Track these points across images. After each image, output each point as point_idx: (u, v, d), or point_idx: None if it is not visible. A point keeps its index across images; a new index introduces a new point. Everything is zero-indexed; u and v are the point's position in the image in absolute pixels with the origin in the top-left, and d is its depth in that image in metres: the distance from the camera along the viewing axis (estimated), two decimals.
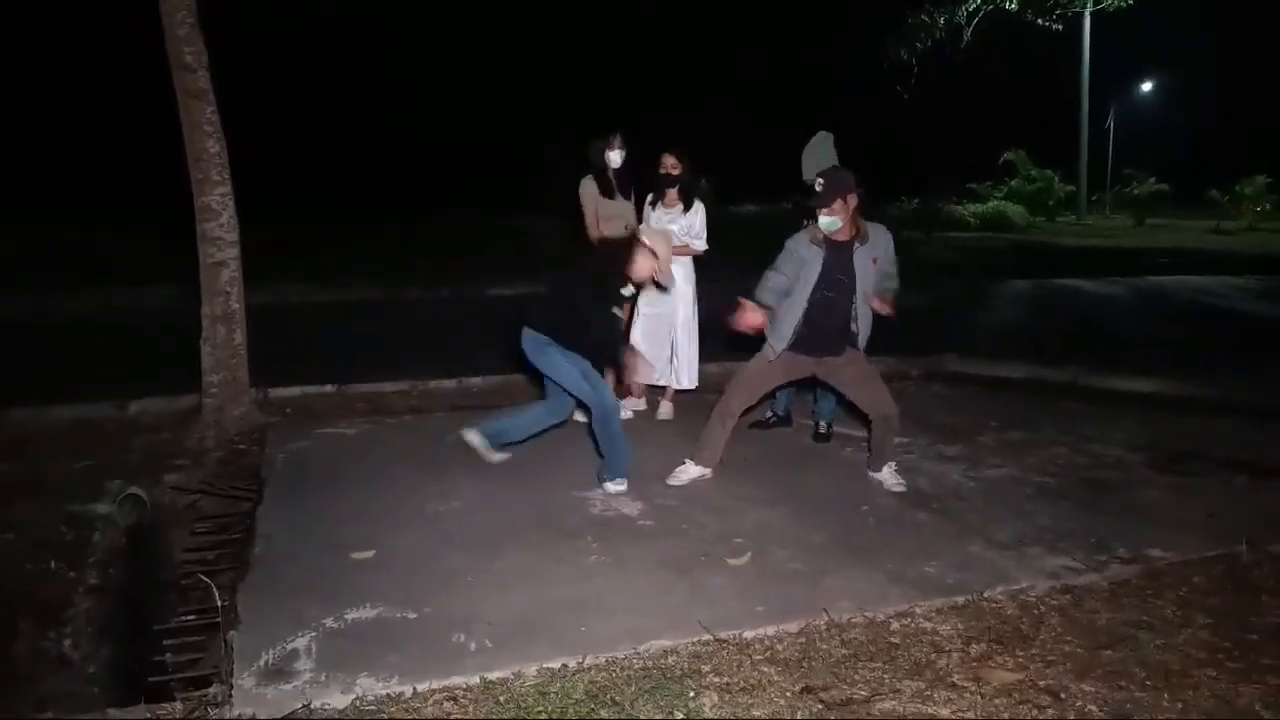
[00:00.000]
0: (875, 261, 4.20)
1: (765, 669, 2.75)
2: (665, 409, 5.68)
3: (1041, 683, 2.69)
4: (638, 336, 5.55)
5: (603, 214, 5.37)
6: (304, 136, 23.14)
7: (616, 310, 4.46)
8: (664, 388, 5.68)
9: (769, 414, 5.48)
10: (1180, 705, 2.58)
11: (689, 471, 4.48)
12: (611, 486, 4.33)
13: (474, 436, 4.48)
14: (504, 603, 3.16)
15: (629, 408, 5.62)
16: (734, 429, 4.50)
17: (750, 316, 4.21)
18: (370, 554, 3.56)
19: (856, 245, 4.15)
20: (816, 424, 5.32)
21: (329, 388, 6.16)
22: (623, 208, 5.45)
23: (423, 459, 4.68)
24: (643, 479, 4.45)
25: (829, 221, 4.09)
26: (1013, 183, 29.42)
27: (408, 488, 4.32)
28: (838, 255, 4.17)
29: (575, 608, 3.13)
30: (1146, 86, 39.28)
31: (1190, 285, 13.99)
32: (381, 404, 5.95)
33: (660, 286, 4.77)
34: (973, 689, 2.65)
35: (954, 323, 9.86)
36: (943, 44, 25.99)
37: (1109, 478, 4.62)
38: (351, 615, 3.05)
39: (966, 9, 26.18)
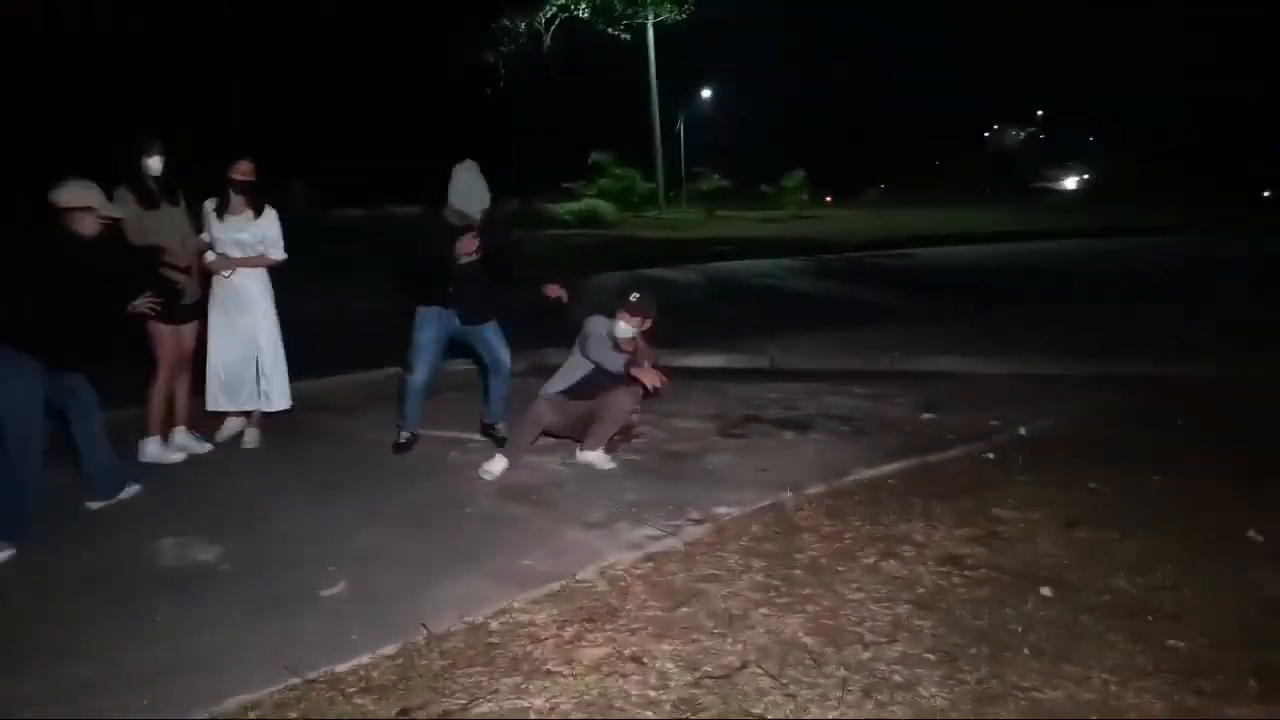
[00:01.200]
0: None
1: (359, 700, 2.62)
2: (251, 436, 5.23)
3: (627, 651, 2.87)
4: (215, 360, 5.07)
5: (145, 226, 4.73)
6: None
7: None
8: (249, 413, 5.24)
9: (405, 434, 5.15)
10: (740, 646, 2.90)
11: (497, 465, 4.66)
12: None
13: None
14: (57, 680, 2.68)
15: (184, 448, 5.07)
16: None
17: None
18: None
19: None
20: (399, 431, 5.14)
21: None
22: (169, 216, 4.87)
23: None
24: (222, 518, 4.05)
25: (626, 330, 4.68)
26: (601, 181, 31.54)
27: None
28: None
29: (141, 678, 2.74)
30: (706, 93, 44.48)
31: (751, 269, 16.05)
32: None
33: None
34: (566, 672, 2.75)
35: (555, 318, 10.28)
36: (526, 49, 27.06)
37: (685, 448, 5.11)
38: None
39: (544, 16, 27.49)
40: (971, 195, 43.99)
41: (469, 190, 4.76)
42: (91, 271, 3.95)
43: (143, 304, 4.44)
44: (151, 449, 4.90)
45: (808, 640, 2.95)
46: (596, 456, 4.78)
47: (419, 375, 5.00)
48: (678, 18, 29.19)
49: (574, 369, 4.85)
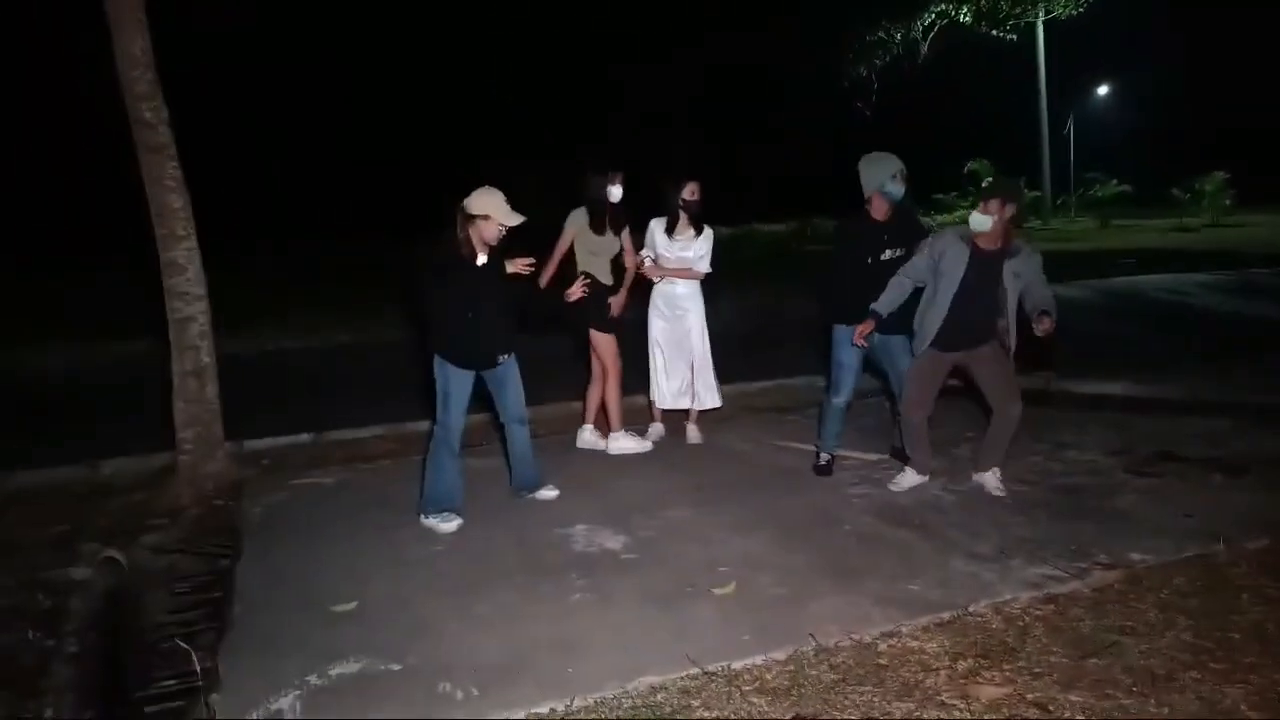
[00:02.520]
0: (1018, 275, 4.27)
1: (755, 700, 2.74)
2: (693, 432, 5.73)
3: (1029, 696, 2.70)
4: (661, 366, 5.64)
5: (589, 248, 5.36)
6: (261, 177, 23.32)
7: (474, 280, 4.33)
8: (686, 412, 5.75)
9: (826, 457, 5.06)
10: (1166, 710, 2.60)
11: (908, 479, 4.63)
12: (427, 521, 4.34)
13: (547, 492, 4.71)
14: (488, 648, 3.13)
15: (649, 437, 5.66)
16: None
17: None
18: (351, 605, 3.52)
19: (1007, 257, 4.25)
20: (818, 454, 5.04)
21: (304, 436, 6.11)
22: (610, 244, 5.43)
23: (400, 504, 4.63)
24: (625, 510, 4.45)
25: (979, 220, 4.22)
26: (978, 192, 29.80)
27: (385, 534, 4.29)
28: (983, 261, 4.26)
29: (561, 648, 3.11)
30: (1103, 90, 40.10)
31: (1155, 284, 14.20)
32: (358, 450, 5.90)
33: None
34: (961, 707, 2.66)
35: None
36: (900, 59, 26.40)
37: (1085, 483, 4.66)
38: (335, 671, 3.02)
39: (922, 24, 26.63)
40: None
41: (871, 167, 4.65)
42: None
43: (578, 289, 4.90)
44: (587, 437, 5.61)
45: (1253, 715, 2.56)
46: (990, 478, 4.53)
47: (842, 397, 4.87)
48: (1074, 12, 26.69)
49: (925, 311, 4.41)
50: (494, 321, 4.38)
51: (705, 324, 5.63)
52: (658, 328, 5.63)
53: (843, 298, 4.74)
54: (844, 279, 4.77)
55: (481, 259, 4.32)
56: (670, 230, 5.50)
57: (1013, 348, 4.40)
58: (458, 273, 4.28)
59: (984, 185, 4.32)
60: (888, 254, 4.66)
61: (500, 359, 4.46)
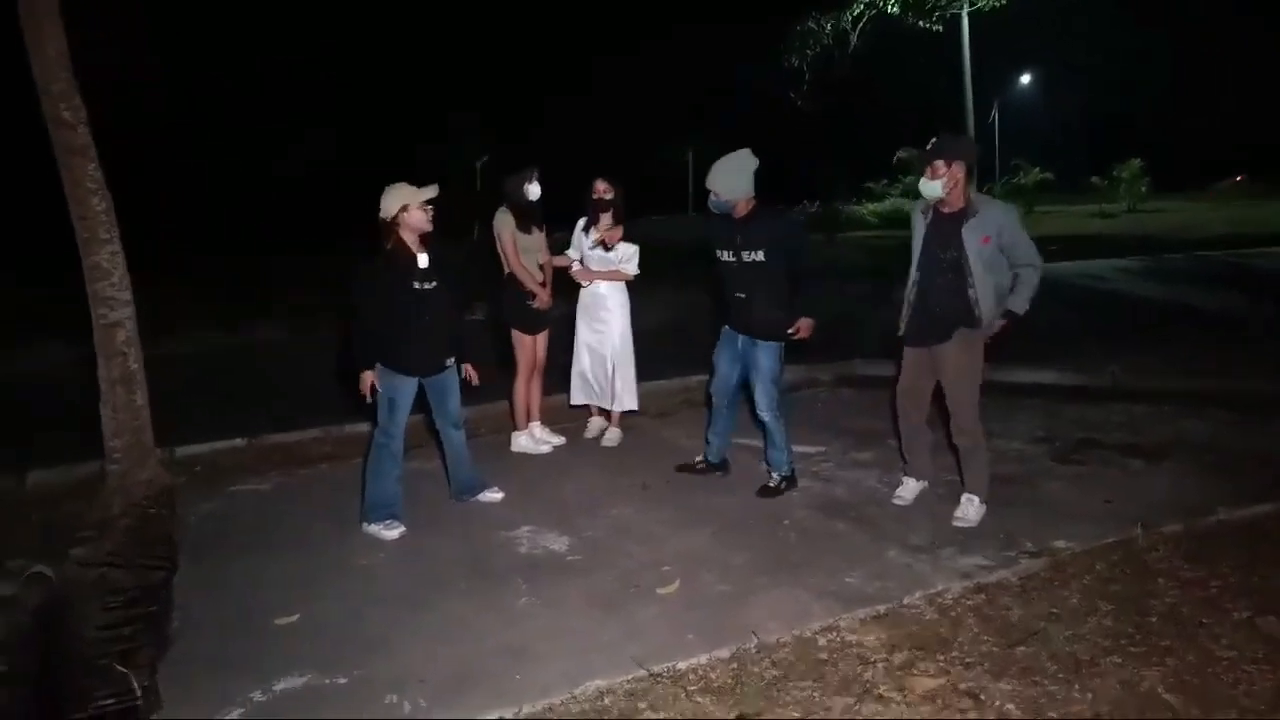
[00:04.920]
0: (988, 240, 3.90)
1: (700, 699, 2.80)
2: (612, 434, 5.75)
3: (962, 685, 2.81)
4: (579, 364, 5.67)
5: (521, 246, 5.37)
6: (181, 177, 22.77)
7: (419, 285, 4.24)
8: (607, 412, 5.78)
9: (699, 459, 5.09)
10: (1090, 695, 2.73)
11: (909, 488, 4.49)
12: (370, 528, 4.30)
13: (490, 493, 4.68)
14: (436, 658, 3.13)
15: (546, 441, 5.64)
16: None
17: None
18: (294, 618, 3.49)
19: (966, 220, 3.91)
20: (769, 474, 4.78)
21: (239, 441, 5.97)
22: (538, 240, 5.48)
23: (341, 511, 4.58)
24: (569, 510, 4.48)
25: (930, 188, 3.95)
26: (907, 180, 30.42)
27: (328, 543, 4.24)
28: (941, 228, 3.98)
29: (508, 655, 3.13)
30: (1025, 79, 41.20)
31: (1079, 270, 14.70)
32: (295, 454, 5.80)
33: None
34: (898, 699, 2.76)
35: (862, 325, 10.13)
36: (830, 50, 26.72)
37: (1013, 472, 4.84)
38: (280, 686, 2.99)
39: (851, 14, 26.95)
40: None
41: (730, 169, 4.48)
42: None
43: (544, 294, 5.18)
44: (522, 441, 5.60)
45: (1169, 698, 2.71)
46: (976, 511, 4.18)
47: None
48: (997, 4, 27.33)
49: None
50: (441, 328, 4.35)
51: (629, 325, 5.64)
52: (581, 328, 5.66)
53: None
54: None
55: (423, 260, 4.25)
56: (588, 229, 5.55)
57: (989, 324, 4.02)
58: (400, 283, 4.20)
59: (928, 146, 3.95)
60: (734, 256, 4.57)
61: (446, 364, 4.43)
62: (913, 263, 4.19)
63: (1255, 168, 42.92)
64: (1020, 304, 4.00)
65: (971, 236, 3.92)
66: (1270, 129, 42.36)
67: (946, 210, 4.02)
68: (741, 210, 4.50)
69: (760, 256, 4.47)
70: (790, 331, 4.53)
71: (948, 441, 4.38)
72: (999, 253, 3.97)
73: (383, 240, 4.21)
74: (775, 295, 4.51)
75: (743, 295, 4.56)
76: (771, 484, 4.69)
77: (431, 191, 4.21)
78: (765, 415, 4.65)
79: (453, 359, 4.47)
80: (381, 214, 4.17)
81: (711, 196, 4.53)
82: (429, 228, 4.23)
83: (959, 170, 3.91)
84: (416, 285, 4.22)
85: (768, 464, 4.77)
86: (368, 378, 4.15)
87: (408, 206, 4.15)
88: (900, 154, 30.70)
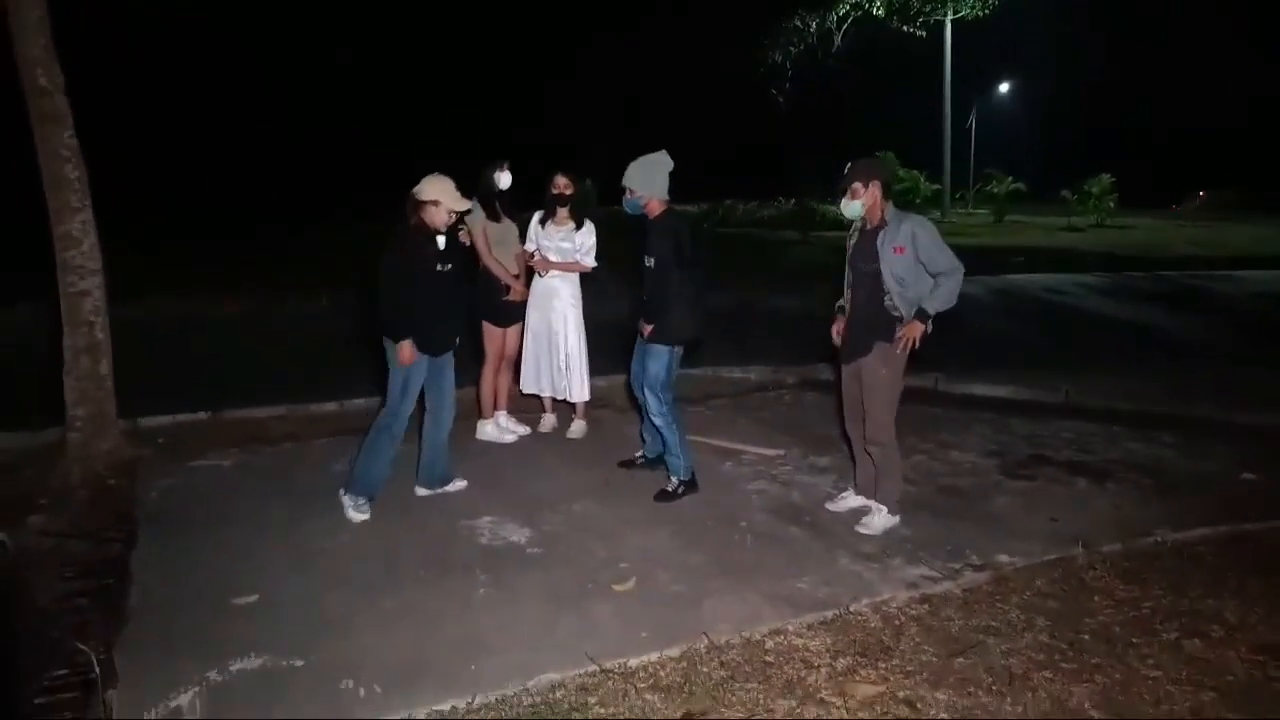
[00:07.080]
0: (902, 250, 4.07)
1: (649, 697, 2.89)
2: (577, 427, 5.82)
3: (900, 694, 2.93)
4: (529, 352, 5.70)
5: (491, 238, 5.41)
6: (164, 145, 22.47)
7: (440, 266, 4.44)
8: (561, 403, 5.84)
9: (639, 454, 5.22)
10: (1020, 709, 2.86)
11: (847, 502, 4.57)
12: (345, 498, 4.36)
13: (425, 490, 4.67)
14: (393, 644, 3.19)
15: (511, 430, 5.70)
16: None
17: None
18: (253, 598, 3.53)
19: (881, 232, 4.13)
20: (668, 478, 4.80)
21: (202, 414, 5.97)
22: (509, 230, 5.53)
23: (304, 491, 4.62)
24: (531, 503, 4.54)
25: (851, 209, 4.21)
26: None
27: (289, 524, 4.27)
28: (863, 243, 4.22)
29: (465, 645, 3.19)
30: (1004, 88, 41.71)
31: (1042, 283, 14.99)
32: (258, 431, 5.81)
33: (461, 217, 4.70)
34: (839, 704, 2.86)
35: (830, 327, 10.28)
36: (814, 49, 26.91)
37: (964, 484, 4.98)
38: (236, 666, 3.03)
39: (837, 14, 27.14)
40: None
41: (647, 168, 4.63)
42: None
43: (519, 287, 5.36)
44: (488, 430, 5.66)
45: (1094, 714, 2.84)
46: (883, 520, 4.31)
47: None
48: (981, 13, 27.67)
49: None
50: (457, 308, 4.60)
51: (580, 317, 5.69)
52: (532, 318, 5.69)
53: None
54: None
55: (441, 243, 4.43)
56: (544, 222, 5.60)
57: (906, 332, 4.12)
58: (425, 262, 4.37)
59: (845, 170, 4.16)
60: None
61: (454, 342, 4.60)
62: (845, 281, 4.39)
63: (1218, 183, 43.83)
64: (933, 305, 4.14)
65: (885, 248, 4.12)
66: (1235, 144, 43.45)
67: (869, 227, 4.24)
68: (654, 210, 4.66)
69: (651, 262, 4.66)
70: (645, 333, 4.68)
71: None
72: (916, 263, 4.12)
73: (407, 215, 4.34)
74: (660, 298, 4.63)
75: (645, 298, 4.73)
76: (669, 488, 4.74)
77: (464, 205, 4.44)
78: (656, 419, 4.76)
79: (457, 340, 4.65)
80: (415, 192, 4.32)
81: (626, 195, 4.68)
82: (444, 230, 4.42)
83: (876, 189, 4.16)
84: (439, 267, 4.41)
85: (665, 468, 4.85)
86: (406, 347, 4.27)
87: (439, 203, 4.31)
88: (876, 155, 30.85)
